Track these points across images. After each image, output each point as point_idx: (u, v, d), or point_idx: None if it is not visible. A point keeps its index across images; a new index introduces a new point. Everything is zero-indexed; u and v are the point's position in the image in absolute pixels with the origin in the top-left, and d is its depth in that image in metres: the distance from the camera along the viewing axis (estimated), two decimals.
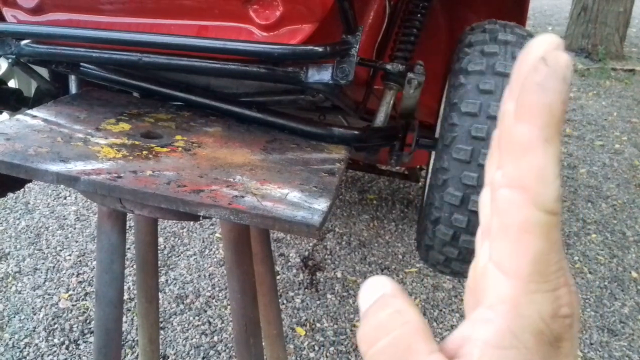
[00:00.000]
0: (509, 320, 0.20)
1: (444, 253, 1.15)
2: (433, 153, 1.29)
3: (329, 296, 2.00)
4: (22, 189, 2.46)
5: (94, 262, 2.00)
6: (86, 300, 1.90)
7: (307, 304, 1.95)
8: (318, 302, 1.97)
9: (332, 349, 1.76)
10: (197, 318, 1.84)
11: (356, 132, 1.16)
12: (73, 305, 1.87)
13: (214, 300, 1.93)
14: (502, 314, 0.21)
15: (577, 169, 3.12)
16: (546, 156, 0.20)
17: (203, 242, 2.25)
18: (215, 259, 2.15)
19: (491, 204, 0.22)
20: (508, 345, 0.20)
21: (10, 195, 2.44)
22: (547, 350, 0.20)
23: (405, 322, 0.22)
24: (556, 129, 0.20)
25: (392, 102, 1.23)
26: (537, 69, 0.20)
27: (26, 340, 1.72)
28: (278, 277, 2.05)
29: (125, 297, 1.87)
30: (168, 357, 1.69)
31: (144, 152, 0.94)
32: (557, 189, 0.20)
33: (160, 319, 1.75)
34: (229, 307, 1.87)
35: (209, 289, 1.99)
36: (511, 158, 0.21)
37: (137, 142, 0.98)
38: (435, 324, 1.91)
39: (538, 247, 0.20)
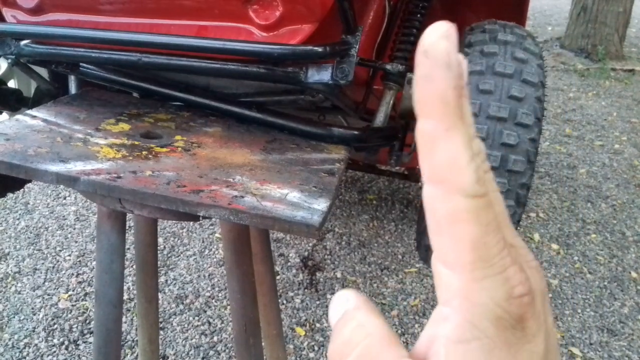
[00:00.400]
0: (465, 313, 0.20)
1: None
2: None
3: (328, 296, 2.00)
4: (22, 189, 2.46)
5: (94, 263, 1.99)
6: (86, 300, 1.90)
7: (306, 304, 1.95)
8: (318, 302, 1.97)
9: None
10: (196, 318, 1.84)
11: (356, 132, 1.16)
12: (73, 306, 1.87)
13: (213, 301, 1.93)
14: (457, 308, 0.20)
15: (576, 169, 3.12)
16: (453, 144, 0.20)
17: (203, 242, 2.25)
18: (215, 259, 2.15)
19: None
20: (470, 338, 0.20)
21: (10, 195, 2.44)
22: (510, 334, 0.20)
23: (368, 334, 0.22)
24: (454, 115, 0.19)
25: (391, 102, 1.23)
26: (421, 62, 0.19)
27: (26, 340, 1.72)
28: (278, 277, 2.05)
29: (125, 297, 1.87)
30: (168, 357, 1.69)
31: (144, 152, 0.94)
32: (474, 172, 0.20)
33: (160, 319, 1.75)
34: (228, 307, 1.87)
35: (209, 289, 1.99)
36: (424, 155, 0.20)
37: (136, 142, 0.98)
38: None
39: (472, 234, 0.20)
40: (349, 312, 0.23)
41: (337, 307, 0.24)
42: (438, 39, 0.19)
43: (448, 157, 0.20)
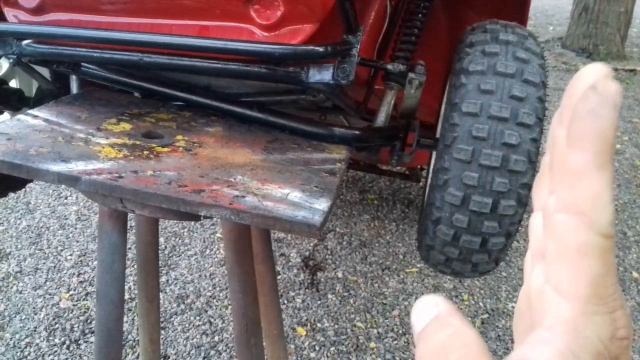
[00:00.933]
0: (568, 341, 0.21)
1: (444, 253, 1.15)
2: (434, 153, 1.29)
3: (329, 296, 2.00)
4: (23, 189, 2.46)
5: (95, 262, 2.00)
6: (87, 300, 1.90)
7: (307, 304, 1.95)
8: (319, 302, 1.97)
9: (332, 349, 1.76)
10: (197, 318, 1.85)
11: (357, 132, 1.16)
12: (74, 305, 1.87)
13: (214, 300, 1.93)
14: (561, 335, 0.21)
15: None
16: (600, 182, 0.21)
17: (204, 242, 2.25)
18: (216, 259, 2.15)
19: (545, 228, 0.23)
20: None
21: (12, 195, 2.44)
22: None
23: (465, 343, 0.22)
24: (609, 155, 0.20)
25: (393, 102, 1.23)
26: (588, 96, 0.20)
27: (27, 340, 1.72)
28: (279, 277, 2.05)
29: (126, 296, 1.87)
30: (169, 357, 1.69)
31: (145, 152, 0.94)
32: (612, 214, 0.21)
33: (161, 319, 1.75)
34: (229, 307, 1.87)
35: (210, 288, 1.99)
36: (566, 184, 0.21)
37: (138, 142, 0.98)
38: None
39: (595, 270, 0.21)
40: (443, 317, 0.23)
41: (424, 311, 0.24)
42: (607, 79, 0.20)
43: (593, 192, 0.21)
